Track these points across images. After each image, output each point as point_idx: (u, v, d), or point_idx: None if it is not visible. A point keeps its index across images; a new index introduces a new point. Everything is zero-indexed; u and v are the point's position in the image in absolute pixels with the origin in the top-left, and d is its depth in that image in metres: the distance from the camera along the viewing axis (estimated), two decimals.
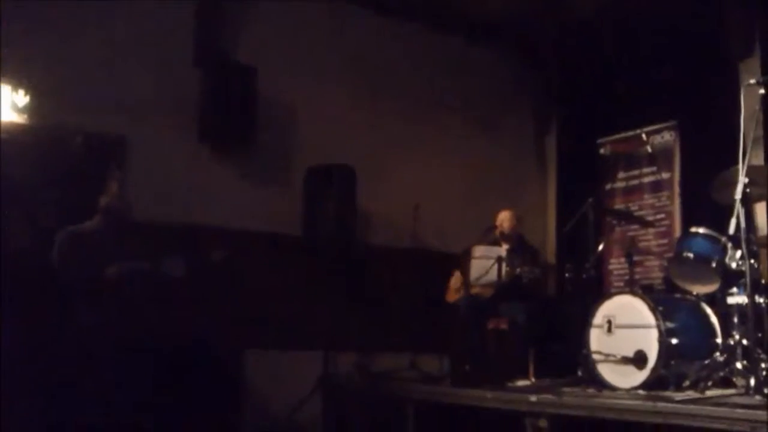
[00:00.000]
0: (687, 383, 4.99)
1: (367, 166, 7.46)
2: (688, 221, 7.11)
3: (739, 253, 5.10)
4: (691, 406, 4.18)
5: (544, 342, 6.51)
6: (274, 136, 7.47)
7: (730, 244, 5.22)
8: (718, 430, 3.93)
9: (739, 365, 4.90)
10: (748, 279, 4.58)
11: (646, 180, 8.06)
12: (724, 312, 5.28)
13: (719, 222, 5.06)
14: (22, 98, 6.33)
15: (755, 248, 5.24)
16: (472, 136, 8.66)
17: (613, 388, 5.22)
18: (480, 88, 8.78)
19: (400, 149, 8.16)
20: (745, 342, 4.93)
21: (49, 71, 6.41)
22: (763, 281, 5.20)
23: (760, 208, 6.52)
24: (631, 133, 8.17)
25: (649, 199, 7.99)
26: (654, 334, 5.08)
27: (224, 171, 7.21)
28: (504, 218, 6.86)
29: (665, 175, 7.88)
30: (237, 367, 6.36)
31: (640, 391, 5.00)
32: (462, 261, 6.53)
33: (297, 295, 7.17)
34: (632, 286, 6.10)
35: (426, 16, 8.36)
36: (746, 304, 4.74)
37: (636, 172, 8.16)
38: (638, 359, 5.14)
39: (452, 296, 6.84)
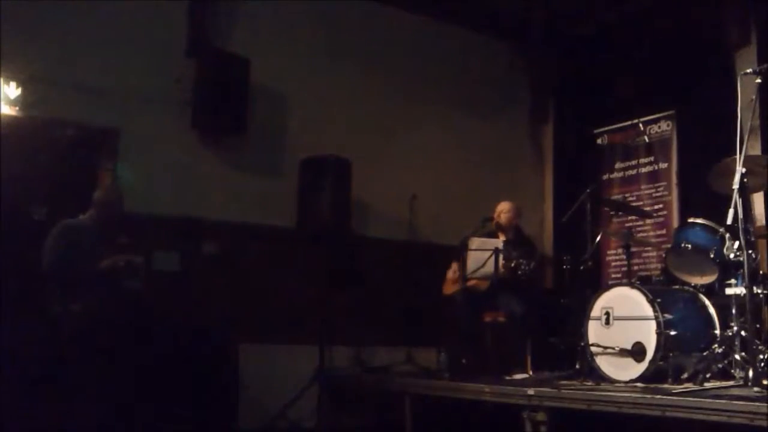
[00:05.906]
0: (685, 375, 4.97)
1: (362, 157, 7.43)
2: (685, 212, 7.09)
3: (737, 244, 5.10)
4: (690, 399, 4.14)
5: (542, 335, 6.49)
6: (268, 127, 7.44)
7: (728, 235, 5.23)
8: (717, 422, 3.90)
9: (737, 357, 4.90)
10: (746, 270, 4.54)
11: (644, 170, 8.03)
12: (723, 303, 5.26)
13: (717, 212, 5.03)
14: (14, 91, 6.30)
15: (753, 239, 5.22)
16: (469, 127, 8.62)
17: (611, 381, 5.19)
18: (476, 78, 8.74)
19: (395, 140, 8.12)
20: (743, 333, 4.92)
21: (41, 63, 6.37)
22: (761, 272, 5.19)
23: (757, 198, 6.50)
24: (628, 123, 8.13)
25: (646, 189, 7.96)
26: (652, 326, 5.05)
27: (218, 162, 7.17)
28: (503, 209, 6.81)
29: (662, 165, 7.85)
30: (232, 361, 6.32)
31: (639, 384, 4.98)
32: (459, 253, 6.48)
33: (291, 288, 7.13)
34: (630, 278, 6.07)
35: (422, 5, 8.31)
36: (744, 295, 4.71)
37: (633, 162, 8.13)
38: (636, 351, 5.11)
39: (449, 289, 6.80)
